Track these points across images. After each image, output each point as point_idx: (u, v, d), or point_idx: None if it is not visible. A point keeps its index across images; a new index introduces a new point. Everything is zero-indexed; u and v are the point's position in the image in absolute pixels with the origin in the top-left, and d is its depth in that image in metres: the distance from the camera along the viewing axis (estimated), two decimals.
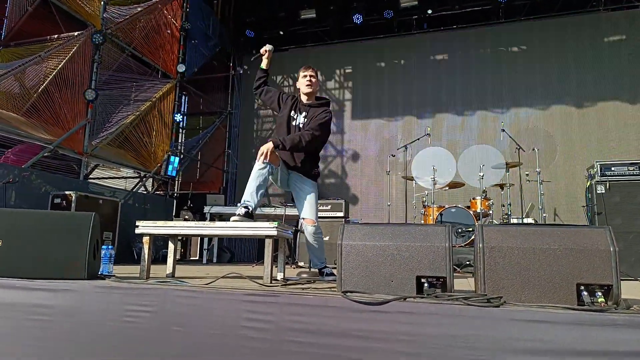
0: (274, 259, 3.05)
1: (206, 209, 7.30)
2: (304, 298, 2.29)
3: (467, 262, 4.78)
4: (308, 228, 3.34)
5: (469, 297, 2.06)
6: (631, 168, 5.39)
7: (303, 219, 3.37)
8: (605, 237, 2.14)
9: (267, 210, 7.01)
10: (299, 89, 3.50)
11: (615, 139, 8.15)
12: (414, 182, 6.75)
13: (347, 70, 10.33)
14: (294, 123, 3.38)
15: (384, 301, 2.09)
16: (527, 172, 6.39)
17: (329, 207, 6.40)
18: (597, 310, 1.92)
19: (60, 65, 6.75)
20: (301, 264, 5.89)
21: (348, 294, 2.22)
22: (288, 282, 3.02)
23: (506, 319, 1.93)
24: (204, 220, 6.91)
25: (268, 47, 3.52)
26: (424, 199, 6.81)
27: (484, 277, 2.21)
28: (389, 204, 7.03)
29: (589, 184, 5.73)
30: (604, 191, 5.40)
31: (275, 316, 2.23)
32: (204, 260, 7.46)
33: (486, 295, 2.12)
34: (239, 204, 3.19)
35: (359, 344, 2.04)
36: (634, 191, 5.28)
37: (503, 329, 1.91)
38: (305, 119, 3.37)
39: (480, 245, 2.25)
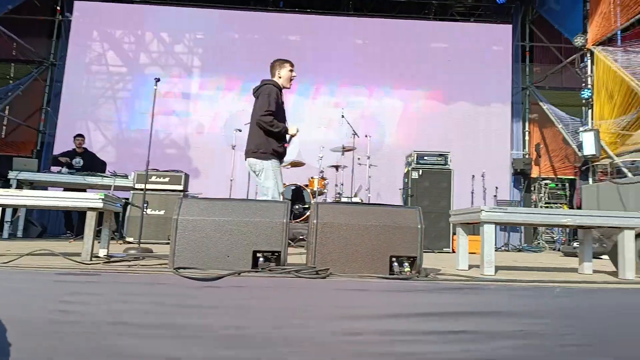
0: (97, 234, 2.74)
1: (12, 175, 6.11)
2: (131, 276, 2.13)
3: (301, 237, 5.10)
4: None
5: (300, 270, 2.19)
6: (439, 158, 6.42)
7: None
8: (415, 216, 2.50)
9: (94, 180, 6.23)
10: (280, 77, 3.99)
11: (434, 130, 9.49)
12: None
13: (198, 36, 9.74)
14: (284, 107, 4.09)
15: (217, 277, 2.07)
16: (359, 157, 7.03)
17: (167, 179, 5.95)
18: (403, 279, 2.25)
19: None
20: (130, 239, 5.42)
21: (180, 270, 2.14)
22: (112, 260, 2.76)
23: (331, 289, 2.12)
24: (9, 188, 5.79)
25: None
26: None
27: (314, 251, 2.37)
28: (231, 179, 6.96)
29: (407, 169, 6.62)
30: (417, 177, 6.32)
31: (97, 297, 2.02)
32: (5, 235, 6.23)
33: (315, 267, 2.28)
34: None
35: (192, 322, 1.99)
36: (439, 178, 6.33)
37: (329, 298, 2.09)
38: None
39: (315, 221, 2.39)
